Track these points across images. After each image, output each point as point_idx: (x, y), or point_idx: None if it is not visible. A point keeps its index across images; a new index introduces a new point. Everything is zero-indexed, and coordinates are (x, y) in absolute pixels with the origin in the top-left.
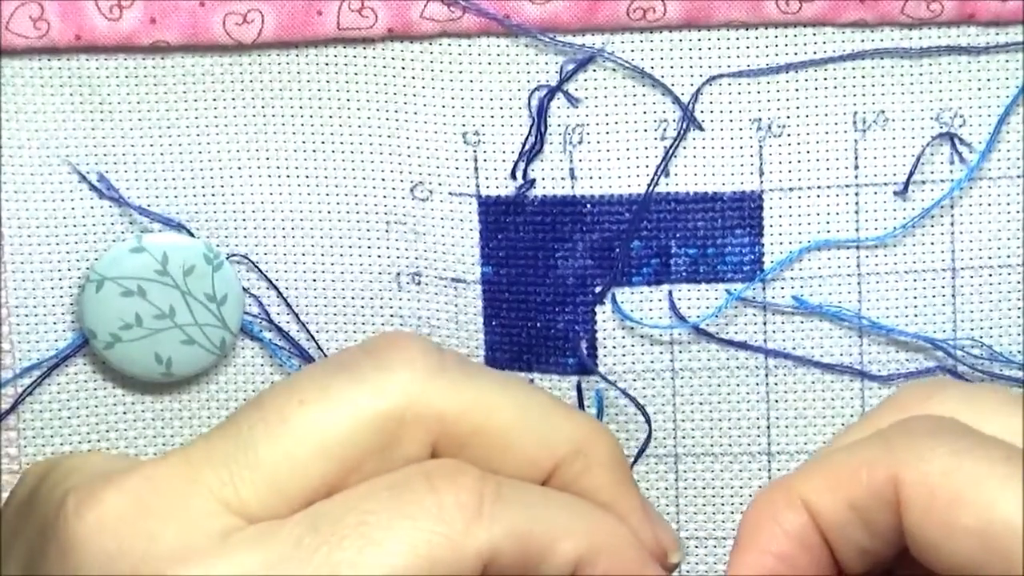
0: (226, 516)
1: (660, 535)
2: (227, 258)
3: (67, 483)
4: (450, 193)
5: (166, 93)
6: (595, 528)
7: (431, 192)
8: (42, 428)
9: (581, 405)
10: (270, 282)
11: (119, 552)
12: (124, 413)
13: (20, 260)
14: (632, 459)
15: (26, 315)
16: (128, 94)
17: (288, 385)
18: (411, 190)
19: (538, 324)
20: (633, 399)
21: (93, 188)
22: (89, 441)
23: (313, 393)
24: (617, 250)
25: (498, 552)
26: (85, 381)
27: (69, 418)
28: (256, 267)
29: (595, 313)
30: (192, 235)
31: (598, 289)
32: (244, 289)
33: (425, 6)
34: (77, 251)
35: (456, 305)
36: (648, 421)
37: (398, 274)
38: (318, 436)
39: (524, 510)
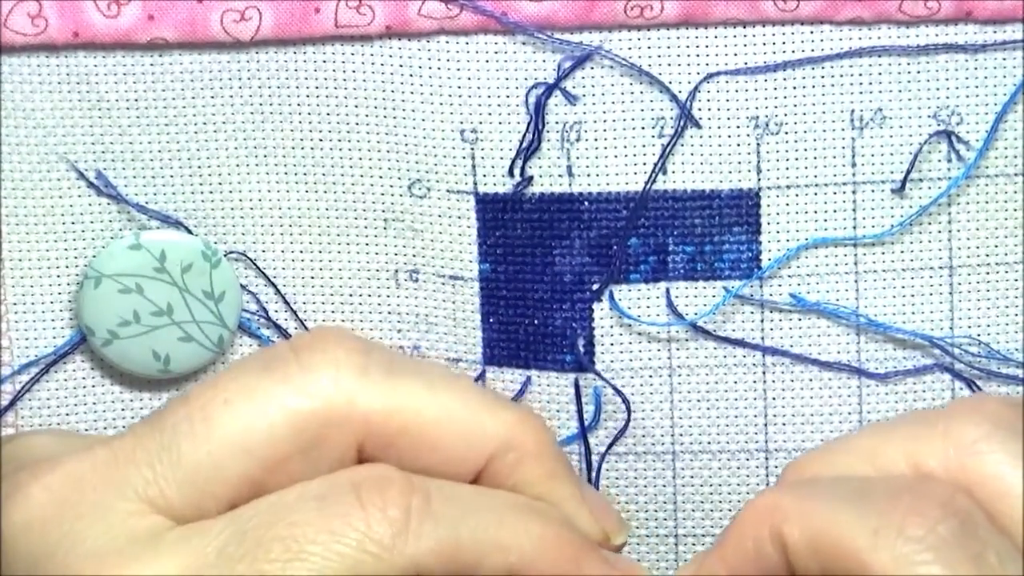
0: (151, 516)
1: (601, 518)
2: (225, 255)
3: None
4: (448, 190)
5: (164, 90)
6: (526, 532)
7: (429, 189)
8: (40, 425)
9: (579, 402)
10: (268, 279)
11: (45, 554)
12: (122, 410)
13: (18, 257)
14: (604, 450)
15: (24, 312)
16: (126, 91)
17: (214, 383)
18: (409, 187)
19: (536, 321)
20: (621, 394)
21: (91, 185)
22: None
23: (238, 392)
24: (614, 247)
25: (425, 567)
26: (83, 378)
27: (67, 415)
28: (254, 264)
29: (593, 310)
30: (190, 232)
31: (596, 286)
32: (242, 286)
33: (423, 4)
34: (75, 248)
35: (454, 302)
36: (628, 417)
37: (396, 271)
38: (241, 436)
39: (452, 523)
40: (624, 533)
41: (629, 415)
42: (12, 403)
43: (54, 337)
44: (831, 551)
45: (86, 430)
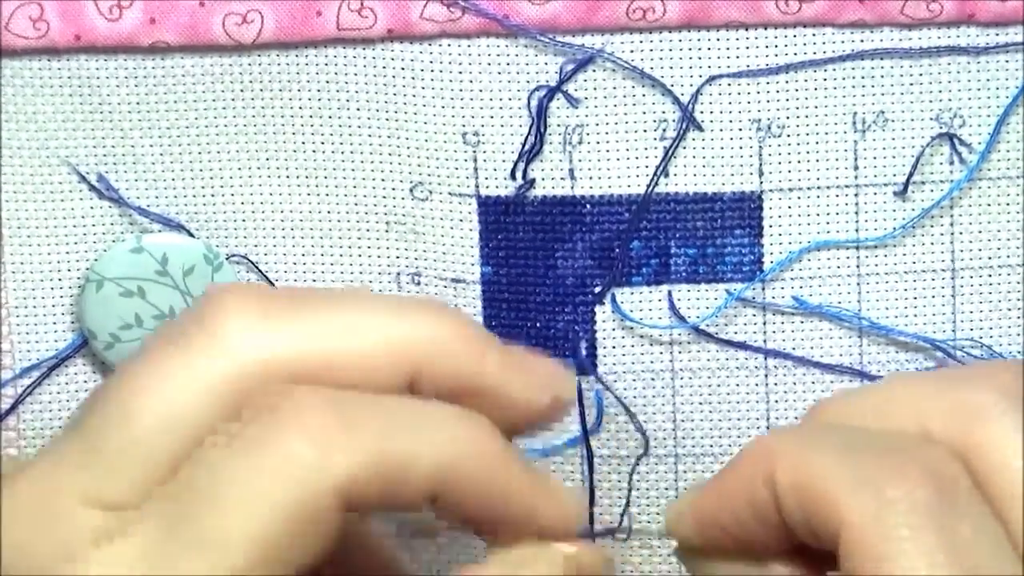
0: (95, 514)
1: (537, 381)
2: (227, 258)
3: None
4: (450, 193)
5: (166, 93)
6: (454, 432)
7: (431, 192)
8: (42, 428)
9: (581, 405)
10: (270, 282)
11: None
12: None
13: (20, 260)
14: (633, 465)
15: (26, 315)
16: (128, 94)
17: (123, 370)
18: (411, 190)
19: (538, 324)
20: (625, 406)
21: (93, 188)
22: None
23: (147, 375)
24: (616, 250)
25: (356, 481)
26: (85, 381)
27: (68, 418)
28: (256, 267)
29: (595, 313)
30: (192, 235)
31: (597, 289)
32: None
33: (425, 6)
34: (76, 251)
35: (455, 305)
36: (643, 432)
37: (398, 274)
38: (161, 416)
39: (375, 433)
40: (569, 386)
41: (645, 435)
42: (14, 406)
43: (55, 340)
44: (811, 497)
45: None
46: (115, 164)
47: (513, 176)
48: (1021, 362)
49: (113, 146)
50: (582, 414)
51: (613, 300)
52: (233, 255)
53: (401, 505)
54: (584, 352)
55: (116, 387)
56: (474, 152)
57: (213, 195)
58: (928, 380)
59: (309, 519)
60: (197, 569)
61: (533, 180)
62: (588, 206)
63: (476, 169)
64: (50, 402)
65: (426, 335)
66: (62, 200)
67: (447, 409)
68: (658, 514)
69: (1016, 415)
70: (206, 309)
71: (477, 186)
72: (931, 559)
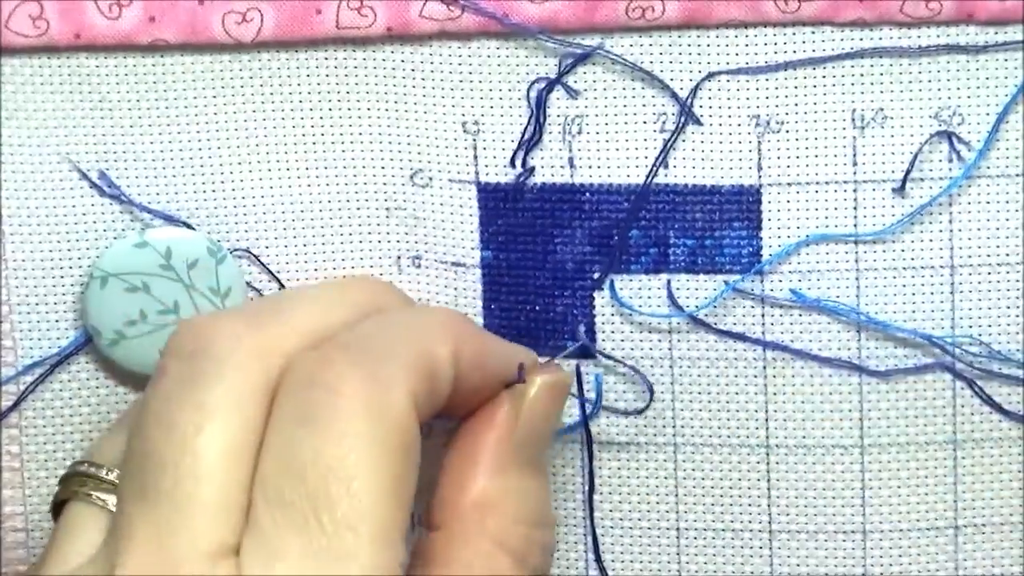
0: (216, 561)
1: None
2: (230, 252)
3: None
4: (450, 180)
5: (166, 90)
6: (445, 322)
7: (431, 179)
8: (44, 426)
9: (580, 389)
10: (273, 275)
11: None
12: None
13: (22, 258)
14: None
15: (28, 313)
16: (128, 92)
17: (162, 426)
18: (411, 177)
19: (537, 307)
20: (634, 368)
21: (94, 185)
22: (91, 439)
23: (189, 419)
24: (615, 238)
25: (416, 393)
26: (87, 379)
27: (71, 416)
28: (258, 260)
29: (594, 298)
30: (193, 230)
31: (596, 275)
32: (247, 284)
33: (424, 5)
34: (78, 248)
35: (456, 288)
36: (650, 390)
37: (398, 257)
38: (226, 451)
39: (400, 356)
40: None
41: (652, 392)
42: (16, 404)
43: (58, 338)
44: None
45: (89, 431)
46: (116, 161)
47: (513, 164)
48: None
49: (114, 143)
50: (581, 398)
51: (611, 287)
52: (235, 249)
53: (443, 394)
54: (583, 336)
55: (167, 440)
56: (474, 140)
57: (214, 190)
58: None
59: (411, 446)
60: (367, 545)
61: (533, 168)
62: (587, 194)
63: (476, 157)
64: (52, 399)
65: (374, 288)
66: (63, 197)
67: (432, 310)
68: (658, 503)
69: None
70: (199, 342)
71: (477, 173)
72: None
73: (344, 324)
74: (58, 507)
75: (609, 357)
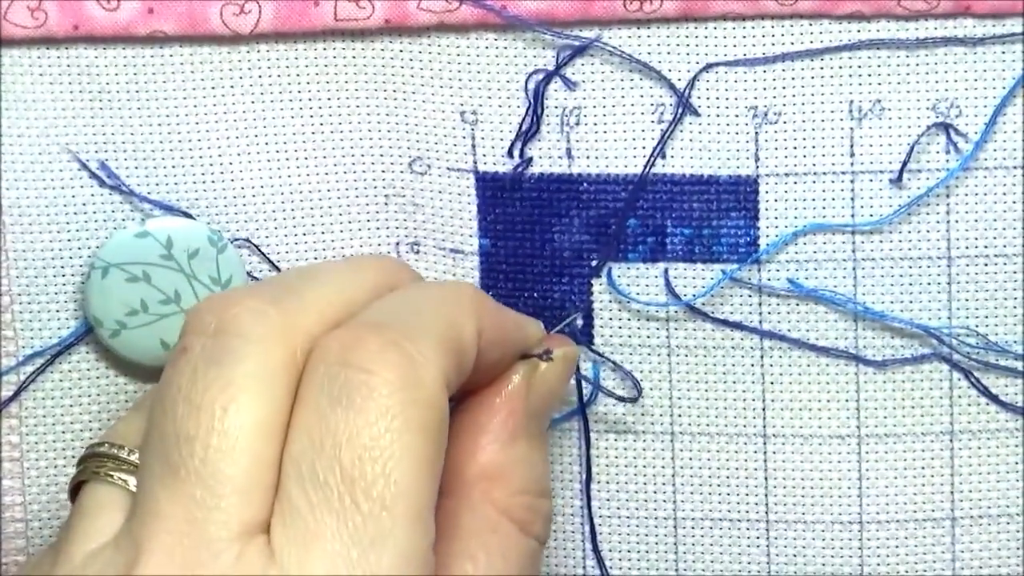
0: (246, 540)
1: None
2: (231, 242)
3: None
4: (448, 168)
5: (165, 81)
6: (463, 296)
7: (429, 167)
8: (44, 416)
9: (578, 377)
10: (273, 264)
11: None
12: (126, 401)
13: (22, 248)
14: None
15: (29, 303)
16: (127, 83)
17: (189, 404)
18: (409, 164)
19: (535, 294)
20: (625, 370)
21: (94, 176)
22: (91, 429)
23: (222, 395)
24: (613, 227)
25: (446, 370)
26: (88, 369)
27: (71, 406)
28: (259, 250)
29: (591, 286)
30: (194, 220)
31: (594, 263)
32: (248, 273)
33: None
34: (79, 238)
35: (454, 275)
36: (638, 388)
37: (397, 244)
38: (255, 426)
39: (430, 335)
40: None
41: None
42: (16, 394)
43: (58, 328)
44: None
45: (89, 421)
46: (115, 152)
47: (511, 155)
48: None
49: (113, 134)
50: (579, 386)
51: (609, 275)
52: (236, 239)
53: (467, 370)
54: (580, 322)
55: (196, 419)
56: (472, 130)
57: (214, 181)
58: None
59: (442, 424)
60: (402, 526)
61: (530, 159)
62: (585, 184)
63: (474, 146)
64: (52, 390)
65: (387, 266)
66: (63, 188)
67: (453, 286)
68: (655, 492)
69: None
70: (220, 321)
71: (475, 162)
72: None
73: (363, 302)
74: (74, 491)
75: (599, 355)
